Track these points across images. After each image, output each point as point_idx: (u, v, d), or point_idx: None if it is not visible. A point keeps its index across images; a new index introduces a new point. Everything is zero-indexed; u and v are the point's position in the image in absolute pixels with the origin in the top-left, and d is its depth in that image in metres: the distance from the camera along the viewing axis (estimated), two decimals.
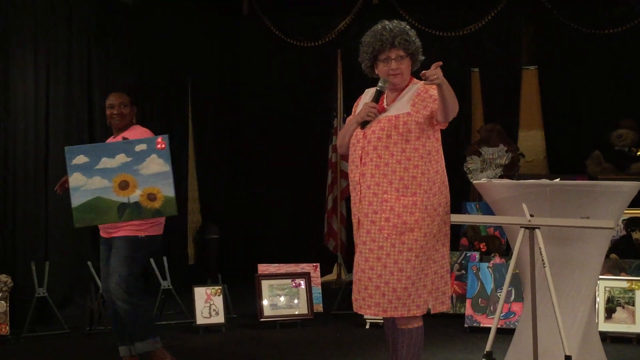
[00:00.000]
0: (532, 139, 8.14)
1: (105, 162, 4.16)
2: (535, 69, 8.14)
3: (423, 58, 3.66)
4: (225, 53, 8.82)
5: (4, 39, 6.00)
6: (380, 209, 3.51)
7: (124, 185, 4.15)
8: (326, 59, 8.48)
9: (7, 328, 5.56)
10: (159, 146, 4.19)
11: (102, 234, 4.56)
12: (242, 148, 8.89)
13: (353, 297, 3.67)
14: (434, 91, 3.49)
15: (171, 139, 7.69)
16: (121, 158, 4.16)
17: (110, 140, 4.70)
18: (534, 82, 8.13)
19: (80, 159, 4.17)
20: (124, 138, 4.45)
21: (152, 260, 6.28)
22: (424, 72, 3.29)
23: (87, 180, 4.15)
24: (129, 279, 4.40)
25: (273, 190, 8.77)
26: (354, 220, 3.65)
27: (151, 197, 4.14)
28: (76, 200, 4.15)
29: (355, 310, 3.67)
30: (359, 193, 3.59)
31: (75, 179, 4.16)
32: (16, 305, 5.76)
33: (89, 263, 5.97)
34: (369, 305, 3.56)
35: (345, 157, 7.66)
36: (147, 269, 6.68)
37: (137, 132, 4.58)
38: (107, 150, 4.21)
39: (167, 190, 4.15)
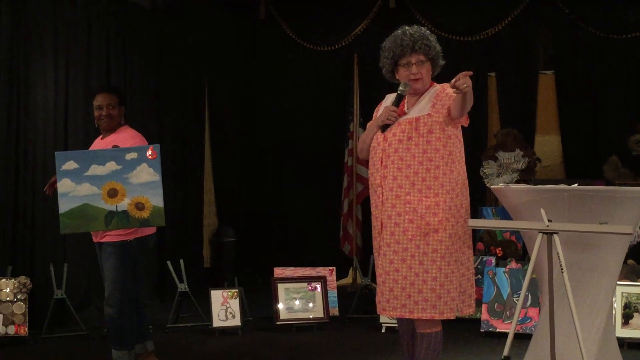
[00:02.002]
0: (548, 144, 8.11)
1: (95, 169, 4.14)
2: (552, 74, 8.11)
3: (443, 63, 3.68)
4: (243, 57, 8.86)
5: (25, 43, 6.06)
6: (403, 210, 3.53)
7: (112, 193, 4.14)
8: (343, 63, 8.51)
9: (26, 329, 5.61)
10: (149, 155, 4.16)
11: (93, 238, 4.54)
12: (258, 151, 8.92)
13: (377, 300, 3.67)
14: (450, 90, 3.51)
15: (188, 142, 7.89)
16: (111, 166, 4.15)
17: (98, 140, 4.65)
18: (551, 86, 8.10)
19: (70, 165, 4.16)
20: (115, 145, 4.39)
21: (169, 262, 6.33)
22: (452, 82, 3.30)
23: (76, 186, 4.14)
24: (122, 287, 4.40)
25: (289, 193, 8.79)
26: (376, 223, 3.66)
27: (139, 206, 4.13)
28: (64, 207, 4.15)
29: (378, 312, 3.67)
30: (380, 196, 3.60)
31: (64, 185, 4.15)
32: (35, 307, 5.82)
33: None
34: (394, 307, 3.56)
35: (362, 162, 7.69)
36: (161, 271, 6.78)
37: (127, 135, 4.51)
38: (98, 157, 4.18)
39: (156, 200, 4.15)
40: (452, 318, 3.57)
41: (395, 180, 3.55)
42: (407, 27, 3.63)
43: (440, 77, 3.73)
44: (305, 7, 8.44)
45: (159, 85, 7.54)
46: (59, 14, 6.34)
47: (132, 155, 4.16)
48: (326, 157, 8.58)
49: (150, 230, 4.52)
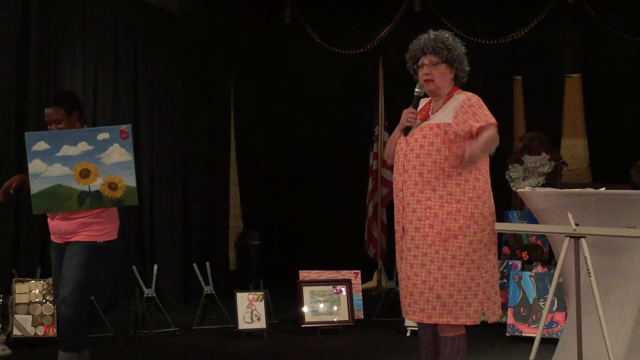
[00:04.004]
0: (575, 148, 8.06)
1: (67, 150, 4.08)
2: (578, 77, 8.06)
3: (468, 68, 3.68)
4: (268, 61, 8.90)
5: (54, 47, 6.15)
6: (424, 215, 3.53)
7: (85, 174, 4.08)
8: (368, 67, 8.51)
9: (55, 330, 5.67)
10: (122, 135, 4.10)
11: (56, 239, 4.36)
12: (283, 155, 8.95)
13: (401, 303, 3.70)
14: (477, 109, 3.50)
15: (214, 145, 7.95)
16: (83, 146, 4.09)
17: None
18: (577, 90, 8.06)
19: (41, 146, 4.09)
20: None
21: (195, 265, 6.37)
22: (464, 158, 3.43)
23: (48, 167, 4.07)
24: (84, 287, 4.20)
25: (314, 197, 8.81)
26: (398, 228, 3.67)
27: (112, 186, 4.09)
28: (35, 187, 4.08)
29: (403, 315, 3.70)
30: (402, 200, 3.61)
31: (35, 166, 4.08)
32: None
33: (134, 267, 6.07)
34: (414, 311, 3.57)
35: (387, 165, 7.68)
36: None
37: None
38: (69, 138, 4.11)
39: (129, 180, 4.09)
40: (469, 324, 3.56)
41: (417, 185, 3.55)
42: (431, 31, 3.67)
43: (468, 80, 3.73)
44: (331, 11, 8.46)
45: (185, 89, 7.61)
46: (88, 17, 6.44)
47: (104, 136, 4.11)
48: (351, 161, 8.60)
49: (115, 236, 4.39)
